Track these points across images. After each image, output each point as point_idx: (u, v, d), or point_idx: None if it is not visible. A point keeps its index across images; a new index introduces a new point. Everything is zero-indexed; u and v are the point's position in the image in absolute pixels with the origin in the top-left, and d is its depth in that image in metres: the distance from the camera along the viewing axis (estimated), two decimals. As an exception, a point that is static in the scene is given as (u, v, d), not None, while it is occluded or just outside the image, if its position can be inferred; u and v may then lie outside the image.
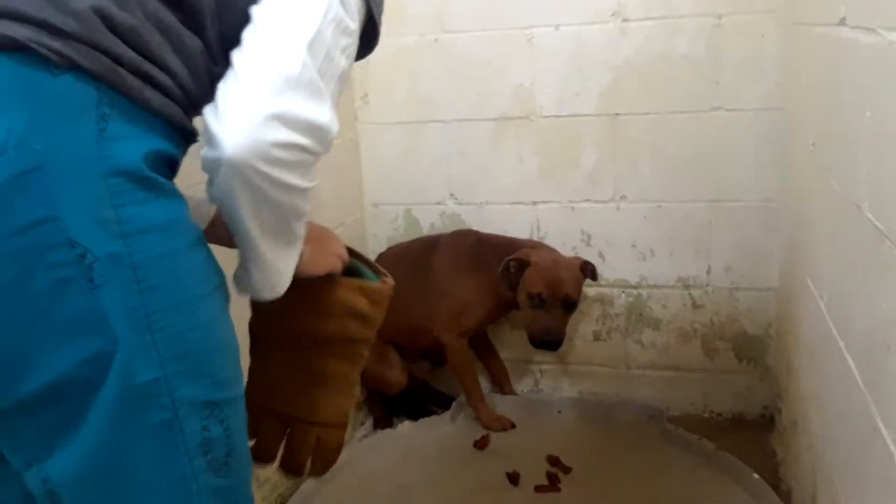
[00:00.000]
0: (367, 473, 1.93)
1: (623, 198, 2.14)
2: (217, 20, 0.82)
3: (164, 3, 0.79)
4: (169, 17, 0.79)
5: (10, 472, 0.78)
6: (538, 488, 1.85)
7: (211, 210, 0.99)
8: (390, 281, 1.11)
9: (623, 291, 2.21)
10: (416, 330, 2.12)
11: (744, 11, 1.96)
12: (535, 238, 2.21)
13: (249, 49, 0.79)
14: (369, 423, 2.28)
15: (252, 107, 0.75)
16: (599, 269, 2.13)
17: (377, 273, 1.13)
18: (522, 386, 2.36)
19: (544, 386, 2.36)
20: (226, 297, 0.86)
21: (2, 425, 0.74)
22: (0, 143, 0.67)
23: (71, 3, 0.72)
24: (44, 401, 0.72)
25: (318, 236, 1.01)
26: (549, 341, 1.99)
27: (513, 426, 2.13)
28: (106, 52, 0.74)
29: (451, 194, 2.29)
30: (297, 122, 0.77)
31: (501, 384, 2.30)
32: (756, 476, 1.76)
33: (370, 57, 0.97)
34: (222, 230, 0.94)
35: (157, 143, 0.78)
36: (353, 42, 0.87)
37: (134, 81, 0.75)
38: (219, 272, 0.85)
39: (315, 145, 0.80)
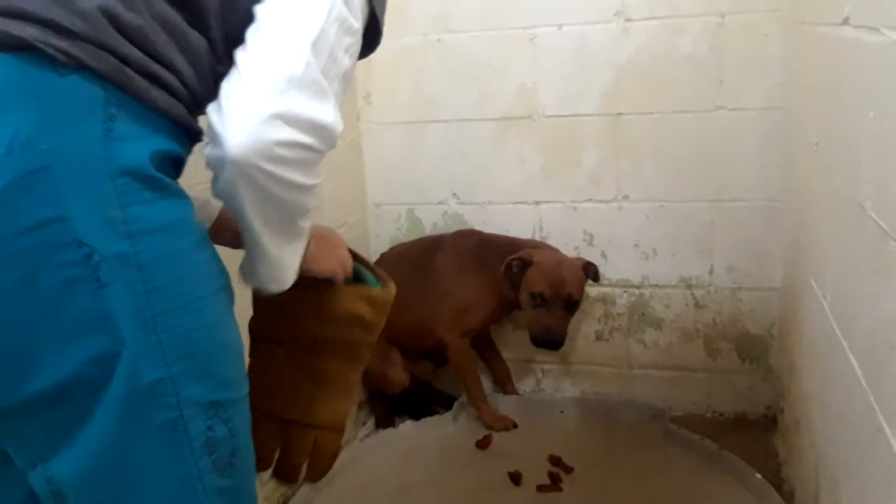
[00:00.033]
0: (369, 473, 1.93)
1: (625, 197, 2.14)
2: (222, 19, 0.82)
3: (170, 3, 0.79)
4: (175, 17, 0.79)
5: (15, 472, 0.78)
6: (540, 488, 1.85)
7: (214, 212, 0.99)
8: (392, 287, 1.11)
9: (625, 291, 2.21)
10: (418, 330, 2.12)
11: (747, 11, 1.95)
12: (537, 238, 2.21)
13: (253, 48, 0.79)
14: (371, 422, 2.28)
15: (255, 106, 0.75)
16: (602, 269, 2.13)
17: (378, 277, 1.13)
18: (524, 386, 2.36)
19: (546, 386, 2.36)
20: (231, 298, 0.86)
21: (7, 425, 0.74)
22: (7, 142, 0.67)
23: (78, 3, 0.73)
24: (49, 400, 0.72)
25: (323, 235, 1.01)
26: (550, 340, 1.98)
27: (515, 426, 2.13)
28: (113, 52, 0.74)
29: (454, 194, 2.29)
30: (300, 121, 0.77)
31: (503, 384, 2.30)
32: (759, 476, 1.76)
33: (373, 57, 0.97)
34: (226, 232, 0.94)
35: (163, 143, 0.78)
36: (356, 41, 0.87)
37: (141, 81, 0.76)
38: (224, 272, 0.85)
39: (319, 144, 0.80)
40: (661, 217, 2.13)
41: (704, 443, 1.93)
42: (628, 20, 2.03)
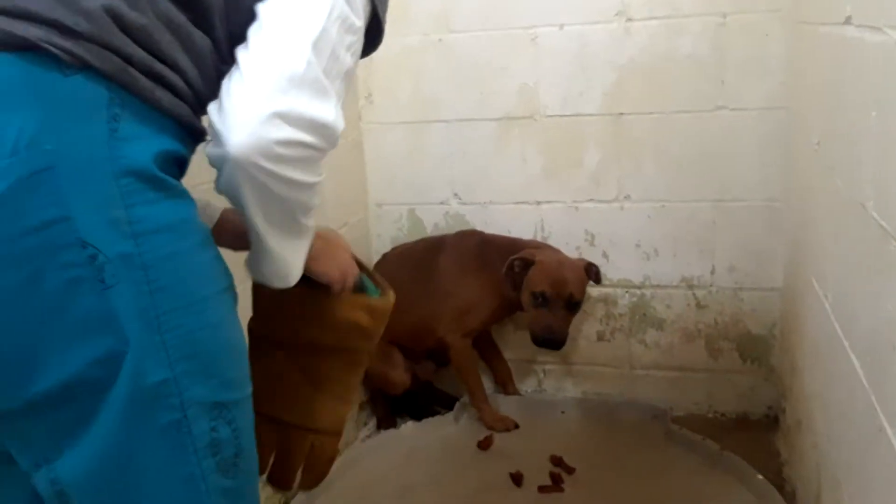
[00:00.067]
0: (371, 473, 1.93)
1: (627, 198, 2.14)
2: (226, 19, 0.82)
3: (175, 3, 0.79)
4: (179, 17, 0.79)
5: (18, 474, 0.78)
6: (542, 489, 1.85)
7: (215, 214, 0.99)
8: (391, 296, 1.11)
9: (627, 291, 2.21)
10: (420, 330, 2.12)
11: (748, 11, 1.95)
12: (538, 238, 2.21)
13: (255, 47, 0.79)
14: (373, 423, 2.28)
15: (256, 105, 0.76)
16: (603, 269, 2.13)
17: (377, 284, 1.13)
18: (526, 386, 2.36)
19: (548, 386, 2.36)
20: (234, 298, 0.86)
21: (11, 426, 0.74)
22: (11, 143, 0.67)
23: (82, 3, 0.72)
24: (54, 401, 0.72)
25: (325, 236, 1.01)
26: (551, 340, 1.98)
27: (516, 426, 2.13)
28: (117, 52, 0.74)
29: (455, 194, 2.29)
30: (300, 120, 0.77)
31: (505, 384, 2.30)
32: (760, 476, 1.76)
33: (374, 56, 0.97)
34: (227, 234, 0.94)
35: (167, 143, 0.78)
36: (358, 40, 0.87)
37: (145, 81, 0.76)
38: (227, 272, 0.85)
39: (320, 142, 0.80)
40: (662, 217, 2.13)
41: (706, 443, 1.93)
42: (629, 20, 2.03)
